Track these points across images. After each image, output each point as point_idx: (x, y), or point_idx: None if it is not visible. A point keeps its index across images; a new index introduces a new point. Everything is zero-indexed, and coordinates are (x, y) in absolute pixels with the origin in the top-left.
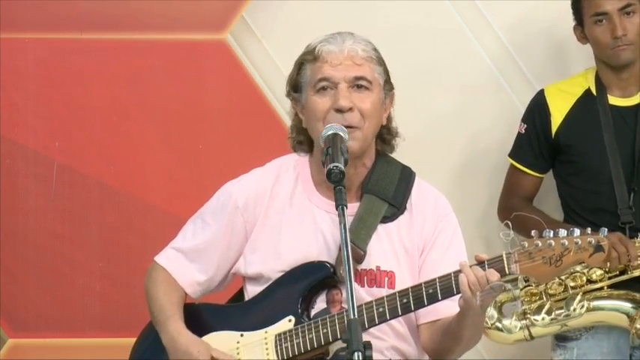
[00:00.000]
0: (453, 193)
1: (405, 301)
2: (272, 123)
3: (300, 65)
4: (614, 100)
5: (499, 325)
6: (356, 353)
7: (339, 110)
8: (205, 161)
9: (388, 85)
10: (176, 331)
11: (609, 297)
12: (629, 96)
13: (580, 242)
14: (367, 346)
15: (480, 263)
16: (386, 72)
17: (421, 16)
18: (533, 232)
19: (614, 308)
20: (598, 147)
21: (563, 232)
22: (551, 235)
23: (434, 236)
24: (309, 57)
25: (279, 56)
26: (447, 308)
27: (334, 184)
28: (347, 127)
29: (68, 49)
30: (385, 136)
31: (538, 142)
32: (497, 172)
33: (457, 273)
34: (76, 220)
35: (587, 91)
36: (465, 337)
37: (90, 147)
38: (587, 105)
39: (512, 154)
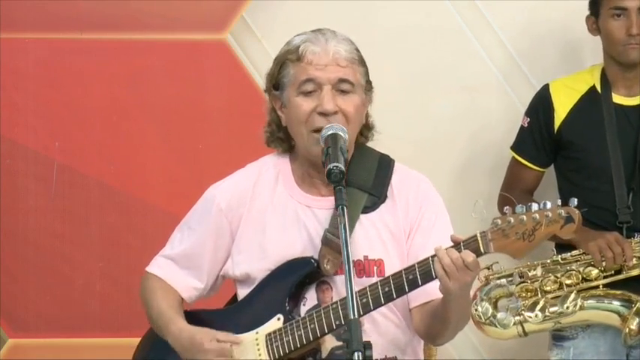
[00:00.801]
0: (454, 191)
1: (387, 289)
2: None
3: (281, 64)
4: (618, 98)
5: (493, 320)
6: (356, 353)
7: (324, 113)
8: (205, 161)
9: (368, 85)
10: (177, 330)
11: (604, 296)
12: (633, 95)
13: (551, 215)
14: (367, 346)
15: (456, 245)
16: (367, 72)
17: (421, 16)
18: (505, 209)
19: (607, 308)
20: (600, 145)
21: (535, 207)
22: (524, 210)
23: (418, 219)
24: (292, 56)
25: None
26: (437, 290)
27: (334, 184)
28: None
29: (68, 49)
30: (363, 131)
31: (540, 137)
32: (497, 170)
33: (435, 257)
34: (76, 220)
35: (592, 88)
36: (452, 320)
37: (90, 147)
38: (591, 102)
39: (515, 147)
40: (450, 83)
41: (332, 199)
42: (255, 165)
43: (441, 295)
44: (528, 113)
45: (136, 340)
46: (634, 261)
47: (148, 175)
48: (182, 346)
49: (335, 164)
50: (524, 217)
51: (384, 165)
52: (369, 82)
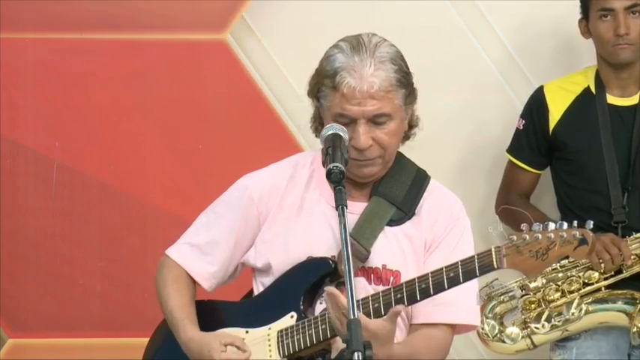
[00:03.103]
0: (453, 190)
1: (399, 296)
2: (272, 123)
3: (319, 84)
4: (612, 99)
5: (501, 336)
6: (356, 353)
7: (358, 149)
8: (205, 161)
9: (410, 98)
10: (186, 337)
11: (607, 297)
12: (628, 96)
13: (565, 235)
14: (367, 346)
15: (470, 258)
16: (407, 87)
17: (421, 15)
18: (522, 226)
19: (612, 308)
20: (595, 146)
21: (551, 226)
22: (540, 228)
23: (442, 237)
24: (328, 82)
25: (279, 56)
26: (437, 315)
27: (334, 184)
28: (365, 159)
29: (68, 49)
30: (406, 132)
31: (536, 139)
32: (496, 169)
33: (449, 267)
34: (76, 220)
35: (587, 90)
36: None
37: (90, 147)
38: (586, 103)
39: (510, 150)
40: (449, 82)
41: (361, 204)
42: (292, 159)
43: (442, 321)
44: (523, 115)
45: (136, 340)
46: (632, 259)
47: (148, 175)
48: (191, 354)
49: (335, 164)
50: (540, 235)
51: (419, 181)
52: (411, 95)
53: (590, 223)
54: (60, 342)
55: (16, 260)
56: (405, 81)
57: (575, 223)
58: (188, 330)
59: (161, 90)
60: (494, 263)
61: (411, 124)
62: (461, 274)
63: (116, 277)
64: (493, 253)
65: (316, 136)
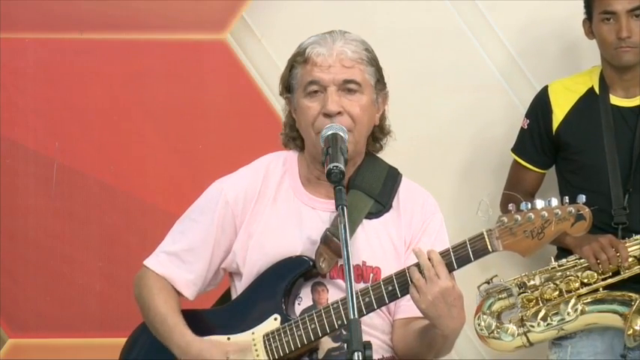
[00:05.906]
0: (456, 191)
1: (390, 288)
2: (272, 123)
3: (291, 66)
4: (616, 100)
5: (498, 333)
6: (356, 353)
7: (328, 115)
8: (205, 161)
9: (380, 85)
10: (184, 342)
11: (604, 298)
12: (631, 97)
13: (560, 212)
14: (367, 346)
15: (461, 244)
16: (378, 71)
17: (421, 16)
18: (510, 206)
19: (608, 310)
20: (597, 146)
21: (540, 204)
22: (529, 207)
23: (419, 234)
24: (299, 58)
25: (279, 56)
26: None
27: (334, 184)
28: None
29: (68, 49)
30: (377, 134)
31: (540, 138)
32: (498, 171)
33: (441, 255)
34: (76, 220)
35: (591, 90)
36: (436, 346)
37: (90, 147)
38: (589, 103)
39: (515, 149)
40: (450, 83)
41: None
42: (262, 161)
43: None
44: (528, 115)
45: None
46: (630, 260)
47: (148, 175)
48: (188, 358)
49: (335, 164)
50: (532, 214)
51: (392, 176)
52: (381, 82)
53: (583, 197)
54: (60, 342)
55: (16, 260)
56: (374, 63)
57: (566, 199)
58: (186, 334)
59: (161, 90)
60: (489, 246)
61: (383, 128)
62: (454, 261)
63: (115, 277)
64: (485, 236)
65: (285, 146)
